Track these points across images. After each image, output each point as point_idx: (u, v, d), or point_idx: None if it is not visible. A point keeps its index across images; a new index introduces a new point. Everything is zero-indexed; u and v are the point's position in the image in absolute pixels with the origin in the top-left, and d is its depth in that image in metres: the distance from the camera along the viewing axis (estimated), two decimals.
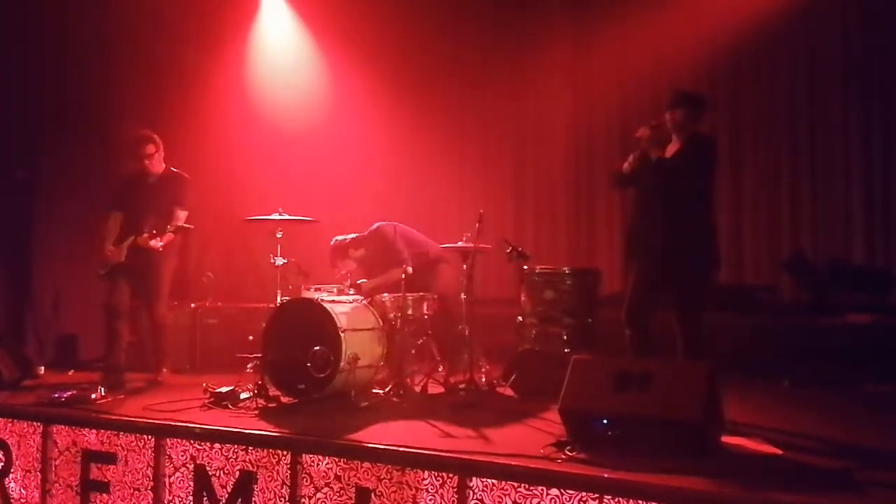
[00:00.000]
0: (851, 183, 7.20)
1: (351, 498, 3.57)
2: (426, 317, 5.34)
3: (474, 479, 3.31)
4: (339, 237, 5.77)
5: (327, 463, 3.66)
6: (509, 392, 5.05)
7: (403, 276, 5.06)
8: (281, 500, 3.73)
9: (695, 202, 4.35)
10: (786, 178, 7.47)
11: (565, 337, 5.29)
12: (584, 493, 3.09)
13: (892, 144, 7.03)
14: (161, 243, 5.29)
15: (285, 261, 5.11)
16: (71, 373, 6.14)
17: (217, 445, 3.93)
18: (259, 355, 4.87)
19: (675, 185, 4.32)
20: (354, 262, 5.72)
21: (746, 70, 7.60)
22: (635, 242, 4.60)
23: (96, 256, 5.57)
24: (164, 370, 5.61)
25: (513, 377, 5.04)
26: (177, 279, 5.84)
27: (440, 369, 5.27)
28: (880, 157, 7.09)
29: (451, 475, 3.37)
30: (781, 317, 6.52)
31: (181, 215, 5.48)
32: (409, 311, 5.15)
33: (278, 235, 5.11)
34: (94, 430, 4.27)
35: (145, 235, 5.25)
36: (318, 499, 3.65)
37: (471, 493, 3.31)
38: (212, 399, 4.65)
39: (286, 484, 3.73)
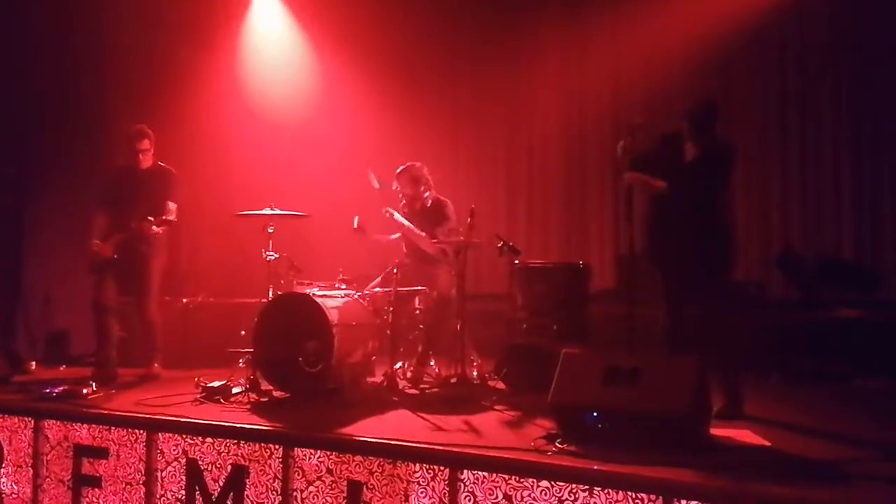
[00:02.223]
0: (841, 180, 7.25)
1: (343, 491, 3.59)
2: (418, 311, 5.36)
3: (465, 471, 3.34)
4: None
5: (319, 456, 3.67)
6: (500, 385, 5.08)
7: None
8: (273, 494, 3.74)
9: (710, 204, 4.36)
10: (776, 175, 7.51)
11: (556, 331, 5.31)
12: (574, 485, 3.12)
13: (881, 142, 7.08)
14: (160, 229, 5.26)
15: (277, 256, 5.12)
16: (62, 368, 6.13)
17: (209, 440, 3.94)
18: (251, 350, 4.88)
19: (691, 191, 4.34)
20: (411, 196, 5.60)
21: (737, 69, 7.63)
22: (655, 244, 4.59)
23: (84, 252, 5.54)
24: (156, 365, 5.57)
25: (504, 371, 5.06)
26: (168, 274, 5.83)
27: (432, 363, 5.30)
28: (869, 155, 7.15)
29: (442, 468, 3.39)
30: (771, 312, 6.55)
31: (172, 208, 5.46)
32: (402, 306, 5.17)
33: (270, 230, 5.12)
34: (85, 425, 4.27)
35: (148, 221, 5.16)
36: (310, 492, 3.66)
37: (462, 485, 3.33)
38: (204, 394, 4.66)
39: (278, 478, 3.74)
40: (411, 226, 5.45)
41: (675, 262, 4.43)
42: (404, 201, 5.66)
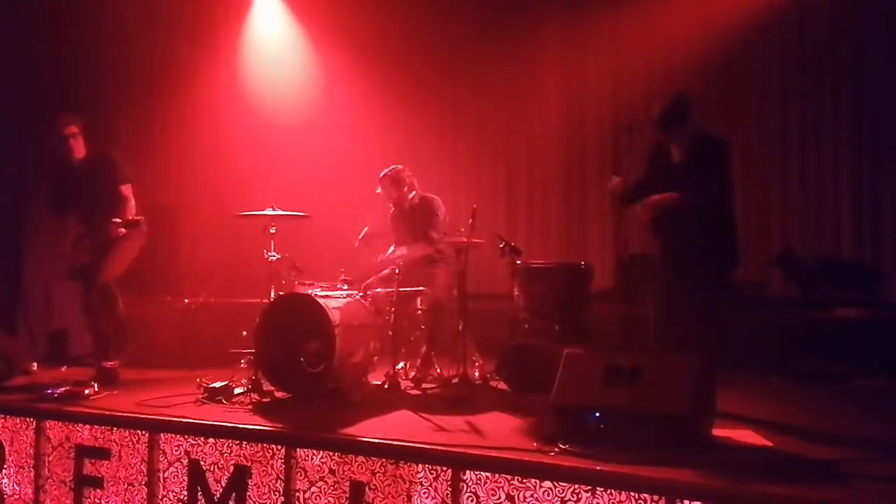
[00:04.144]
0: (840, 179, 7.27)
1: (345, 492, 3.59)
2: (420, 311, 5.37)
3: (468, 472, 3.34)
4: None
5: (321, 457, 3.67)
6: (502, 386, 5.08)
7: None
8: (275, 495, 3.74)
9: (707, 205, 4.28)
10: (776, 175, 7.53)
11: (557, 331, 5.31)
12: (576, 486, 3.12)
13: (880, 141, 7.10)
14: (125, 231, 5.12)
15: (278, 256, 5.12)
16: (63, 369, 6.12)
17: (211, 440, 3.94)
18: (252, 350, 4.88)
19: (685, 192, 4.28)
20: (396, 198, 5.63)
21: (737, 69, 7.65)
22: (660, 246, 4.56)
23: (62, 258, 5.41)
24: (108, 362, 5.27)
25: (505, 371, 5.06)
26: (169, 274, 5.81)
27: (434, 364, 5.30)
28: (869, 154, 7.17)
29: (444, 468, 3.39)
30: (771, 312, 6.56)
31: (127, 194, 5.31)
32: (403, 306, 5.17)
33: (271, 231, 5.12)
34: (87, 426, 4.27)
35: (115, 223, 5.02)
36: (313, 493, 3.67)
37: (464, 485, 3.34)
38: (206, 394, 4.65)
39: (280, 478, 3.74)
40: (401, 252, 5.48)
41: (678, 263, 4.40)
42: (393, 207, 5.71)
